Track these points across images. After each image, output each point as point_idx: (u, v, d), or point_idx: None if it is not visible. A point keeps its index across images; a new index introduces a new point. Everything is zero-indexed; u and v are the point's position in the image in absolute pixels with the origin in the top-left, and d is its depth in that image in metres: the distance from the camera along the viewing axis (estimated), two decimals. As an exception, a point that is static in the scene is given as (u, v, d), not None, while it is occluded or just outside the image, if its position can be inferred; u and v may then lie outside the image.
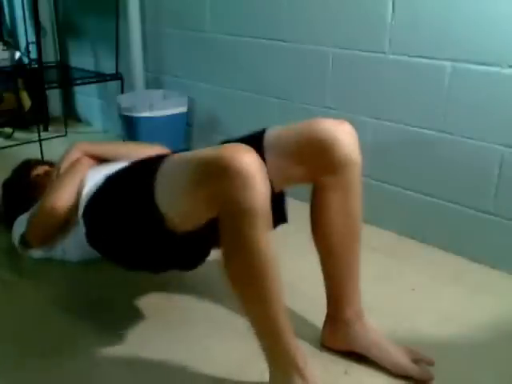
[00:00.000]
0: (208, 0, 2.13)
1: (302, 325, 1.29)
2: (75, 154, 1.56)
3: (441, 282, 1.50)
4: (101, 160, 1.57)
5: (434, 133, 1.60)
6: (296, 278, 1.47)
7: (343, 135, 1.08)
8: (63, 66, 2.98)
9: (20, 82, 2.80)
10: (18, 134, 2.77)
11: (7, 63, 2.73)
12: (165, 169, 1.05)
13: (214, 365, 1.16)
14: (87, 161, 1.53)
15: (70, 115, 3.08)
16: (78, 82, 2.70)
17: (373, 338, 1.15)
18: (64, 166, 1.54)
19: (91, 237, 1.24)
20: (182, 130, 2.36)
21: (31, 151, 2.22)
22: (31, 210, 1.51)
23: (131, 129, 2.24)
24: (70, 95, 3.12)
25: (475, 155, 1.52)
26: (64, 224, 1.43)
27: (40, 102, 2.88)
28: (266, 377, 1.03)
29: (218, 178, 0.90)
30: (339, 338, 1.18)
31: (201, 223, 1.01)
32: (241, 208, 0.89)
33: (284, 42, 1.91)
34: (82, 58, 2.88)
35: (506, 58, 1.40)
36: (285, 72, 1.95)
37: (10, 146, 2.60)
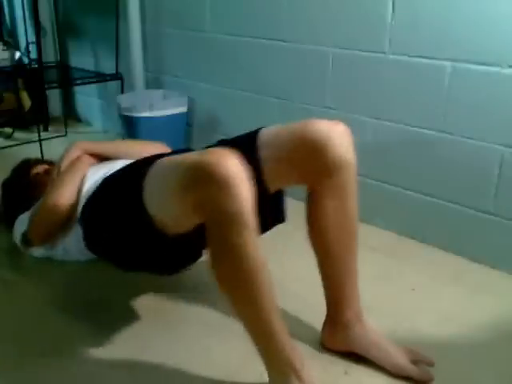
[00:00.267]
0: (208, 0, 2.13)
1: (300, 325, 1.29)
2: (75, 153, 1.56)
3: (441, 282, 1.50)
4: (101, 158, 1.57)
5: (433, 133, 1.60)
6: (295, 277, 1.48)
7: (337, 136, 1.07)
8: (63, 66, 2.98)
9: (20, 82, 2.80)
10: (18, 134, 2.77)
11: (7, 63, 2.73)
12: (153, 173, 1.06)
13: (213, 365, 1.16)
14: (87, 159, 1.54)
15: (70, 115, 3.08)
16: (78, 81, 2.70)
17: (372, 338, 1.15)
18: (64, 164, 1.54)
19: (87, 239, 1.25)
20: (182, 130, 2.36)
21: (31, 151, 2.22)
22: (32, 209, 1.51)
23: (131, 129, 2.24)
24: (69, 95, 3.12)
25: (475, 155, 1.52)
26: (65, 222, 1.44)
27: (40, 102, 2.88)
28: (266, 377, 1.03)
29: (201, 184, 0.90)
30: (339, 339, 1.18)
31: (190, 227, 1.01)
32: (225, 214, 0.89)
33: (284, 42, 1.91)
34: (82, 58, 2.88)
35: (506, 58, 1.40)
36: (285, 72, 1.95)
37: (10, 146, 2.60)
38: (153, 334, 1.27)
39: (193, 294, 1.42)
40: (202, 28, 2.19)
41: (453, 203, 1.61)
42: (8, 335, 1.28)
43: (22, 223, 1.53)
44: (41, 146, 2.35)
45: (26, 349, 1.23)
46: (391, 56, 1.63)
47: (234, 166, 0.90)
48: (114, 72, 2.61)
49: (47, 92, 2.91)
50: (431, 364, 1.12)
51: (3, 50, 2.73)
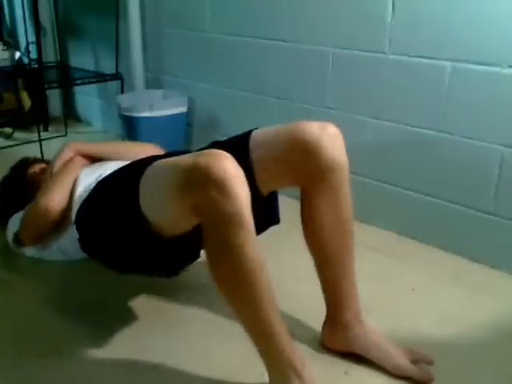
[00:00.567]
0: (208, 0, 2.13)
1: (300, 325, 1.29)
2: (68, 153, 1.57)
3: (441, 282, 1.50)
4: (94, 159, 1.57)
5: (433, 133, 1.59)
6: (293, 277, 1.48)
7: (328, 138, 1.07)
8: (63, 66, 2.99)
9: (20, 82, 2.80)
10: (18, 134, 2.77)
11: (7, 63, 2.73)
12: (149, 175, 1.06)
13: (213, 365, 1.16)
14: (80, 160, 1.55)
15: (70, 115, 3.08)
16: (78, 81, 2.70)
17: (372, 339, 1.15)
18: (57, 165, 1.55)
19: (83, 241, 1.25)
20: (182, 130, 2.36)
21: (31, 151, 2.22)
22: (25, 209, 1.51)
23: (131, 129, 2.24)
24: (70, 95, 3.12)
25: (475, 155, 1.52)
26: (57, 223, 1.44)
27: (40, 102, 2.88)
28: (266, 378, 1.02)
29: (198, 185, 0.90)
30: (339, 339, 1.18)
31: (187, 228, 1.01)
32: (223, 215, 0.89)
33: (284, 41, 1.91)
34: (82, 58, 2.88)
35: (506, 58, 1.40)
36: (285, 72, 1.95)
37: (10, 146, 2.60)
38: (152, 333, 1.27)
39: (192, 295, 1.42)
40: (202, 28, 2.19)
41: (453, 203, 1.61)
42: (6, 335, 1.28)
43: (14, 223, 1.54)
44: (41, 146, 2.35)
45: (25, 349, 1.23)
46: (391, 56, 1.63)
47: (230, 167, 0.90)
48: (114, 72, 2.61)
49: (47, 92, 2.91)
50: (431, 363, 1.12)
51: (3, 49, 2.73)
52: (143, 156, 1.27)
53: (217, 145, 1.13)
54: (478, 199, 1.55)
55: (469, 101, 1.50)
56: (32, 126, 2.73)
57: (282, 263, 1.53)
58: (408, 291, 1.45)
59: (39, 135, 2.41)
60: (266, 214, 1.20)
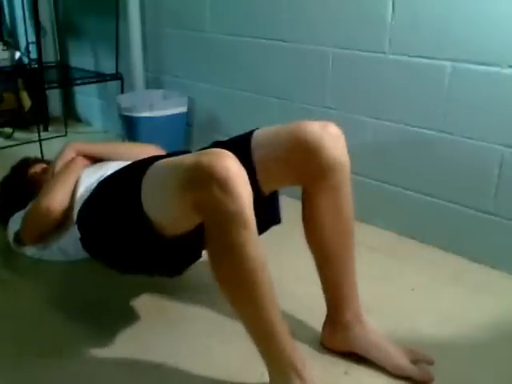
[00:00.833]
0: (208, 0, 2.13)
1: (301, 325, 1.29)
2: (69, 154, 1.57)
3: (441, 282, 1.50)
4: (95, 159, 1.58)
5: (434, 133, 1.59)
6: (293, 277, 1.48)
7: (329, 138, 1.07)
8: (63, 66, 2.98)
9: (20, 82, 2.80)
10: (18, 134, 2.77)
11: (7, 63, 2.73)
12: (151, 174, 1.06)
13: (214, 365, 1.16)
14: (81, 161, 1.55)
15: (70, 115, 3.08)
16: (78, 81, 2.70)
17: (372, 339, 1.15)
18: (59, 165, 1.55)
19: (85, 241, 1.25)
20: (182, 130, 2.36)
21: (31, 151, 2.22)
22: (27, 208, 1.51)
23: (131, 129, 2.24)
24: (70, 95, 3.12)
25: (475, 155, 1.52)
26: (58, 224, 1.45)
27: (40, 102, 2.88)
28: (267, 377, 1.02)
29: (201, 184, 0.90)
30: (339, 339, 1.18)
31: (189, 228, 1.02)
32: (225, 214, 0.89)
33: (284, 41, 1.91)
34: (82, 58, 2.88)
35: (506, 58, 1.40)
36: (285, 72, 1.95)
37: (10, 146, 2.60)
38: (153, 333, 1.27)
39: (194, 294, 1.42)
40: (202, 28, 2.19)
41: (453, 203, 1.61)
42: (7, 335, 1.28)
43: (15, 222, 1.54)
44: (41, 145, 2.36)
45: (25, 349, 1.23)
46: (391, 56, 1.63)
47: (233, 166, 0.90)
48: (114, 72, 2.61)
49: (47, 92, 2.92)
50: (431, 362, 1.12)
51: (3, 49, 2.73)
52: (144, 156, 1.27)
53: (218, 145, 1.13)
54: (478, 199, 1.55)
55: (469, 101, 1.50)
56: (32, 126, 2.73)
57: (283, 263, 1.54)
58: (408, 291, 1.45)
59: (39, 135, 2.41)
60: (267, 213, 1.20)
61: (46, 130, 2.89)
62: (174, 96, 2.34)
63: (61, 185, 1.45)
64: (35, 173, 1.67)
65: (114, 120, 2.63)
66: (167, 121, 2.24)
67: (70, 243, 1.47)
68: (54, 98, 3.08)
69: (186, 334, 1.27)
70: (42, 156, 2.23)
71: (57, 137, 2.78)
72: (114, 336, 1.26)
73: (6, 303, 1.40)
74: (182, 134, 2.35)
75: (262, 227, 1.15)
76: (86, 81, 2.66)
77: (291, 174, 1.12)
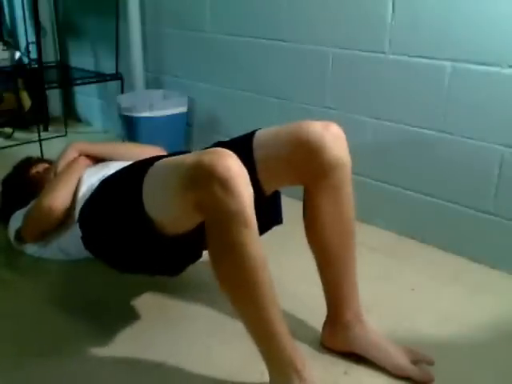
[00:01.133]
0: (208, 0, 2.14)
1: (300, 325, 1.29)
2: (72, 154, 1.58)
3: (440, 282, 1.50)
4: (97, 160, 1.58)
5: (434, 133, 1.60)
6: (294, 277, 1.48)
7: (331, 138, 1.07)
8: (63, 66, 2.99)
9: (20, 82, 2.80)
10: (18, 134, 2.77)
11: (7, 63, 2.73)
12: (152, 173, 1.06)
13: (214, 365, 1.16)
14: (84, 160, 1.55)
15: (70, 115, 3.08)
16: (78, 81, 2.70)
17: (372, 339, 1.15)
18: (61, 165, 1.56)
19: (86, 240, 1.25)
20: (182, 130, 2.36)
21: (31, 151, 2.22)
22: (28, 206, 1.52)
23: (131, 129, 2.24)
24: (70, 95, 3.12)
25: (475, 155, 1.52)
26: (59, 223, 1.45)
27: (40, 102, 2.88)
28: (267, 377, 1.02)
29: (202, 183, 0.90)
30: (339, 339, 1.18)
31: (190, 227, 1.02)
32: (226, 213, 0.89)
33: (284, 41, 1.91)
34: (82, 58, 2.88)
35: (506, 58, 1.40)
36: (285, 72, 1.95)
37: (10, 146, 2.60)
38: (153, 332, 1.27)
39: (194, 293, 1.42)
40: (202, 28, 2.19)
41: (452, 203, 1.61)
42: (7, 335, 1.28)
43: (16, 220, 1.54)
44: (41, 145, 2.36)
45: (25, 348, 1.23)
46: (391, 56, 1.63)
47: (234, 166, 0.90)
48: (114, 72, 2.61)
49: (47, 92, 2.91)
50: (431, 363, 1.12)
51: (3, 49, 2.73)
52: (146, 157, 1.27)
53: (220, 145, 1.13)
54: (478, 199, 1.55)
55: (469, 101, 1.50)
56: (32, 126, 2.73)
57: (284, 263, 1.54)
58: (408, 291, 1.45)
59: (39, 135, 2.41)
60: (269, 214, 1.21)
61: (46, 130, 2.89)
62: (174, 96, 2.34)
63: (63, 184, 1.46)
64: (37, 172, 1.67)
65: (114, 120, 2.63)
66: (167, 121, 2.24)
67: (70, 242, 1.47)
68: (54, 98, 3.08)
69: (187, 333, 1.27)
70: (42, 156, 2.23)
71: (57, 137, 2.78)
72: (115, 335, 1.26)
73: (6, 302, 1.40)
74: (182, 134, 2.36)
75: (264, 227, 1.15)
76: (86, 81, 2.67)
77: (293, 174, 1.12)
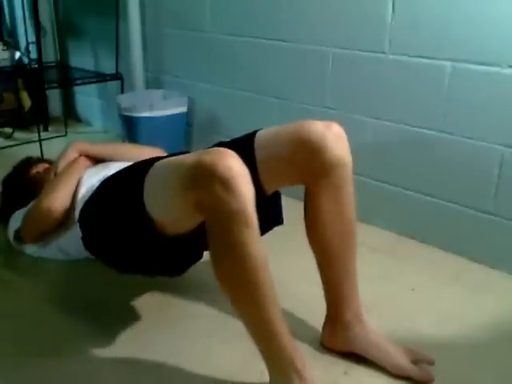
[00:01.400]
0: (208, 0, 2.14)
1: (301, 325, 1.29)
2: (72, 154, 1.57)
3: (441, 282, 1.50)
4: (97, 160, 1.58)
5: (434, 133, 1.59)
6: (294, 277, 1.48)
7: (332, 137, 1.08)
8: (63, 66, 2.98)
9: (20, 82, 2.80)
10: (18, 134, 2.77)
11: (7, 63, 2.73)
12: (153, 173, 1.06)
13: (214, 364, 1.16)
14: (84, 161, 1.55)
15: (70, 115, 3.08)
16: (78, 81, 2.70)
17: (372, 339, 1.15)
18: (61, 165, 1.56)
19: (86, 241, 1.25)
20: (182, 130, 2.36)
21: (31, 151, 2.21)
22: (28, 207, 1.51)
23: (131, 129, 2.24)
24: (70, 95, 3.12)
25: (475, 155, 1.52)
26: (58, 224, 1.45)
27: (40, 102, 2.88)
28: (267, 376, 1.02)
29: (203, 182, 0.90)
30: (339, 339, 1.18)
31: (191, 227, 1.02)
32: (227, 212, 0.89)
33: (284, 41, 1.91)
34: (82, 58, 2.88)
35: (506, 58, 1.40)
36: (285, 72, 1.95)
37: (10, 146, 2.60)
38: (153, 332, 1.27)
39: (195, 293, 1.42)
40: (201, 28, 2.19)
41: (452, 203, 1.61)
42: (7, 335, 1.28)
43: (16, 220, 1.54)
44: (41, 145, 2.36)
45: (25, 348, 1.23)
46: (391, 56, 1.63)
47: (235, 165, 0.90)
48: (114, 72, 2.61)
49: (47, 92, 2.91)
50: (431, 363, 1.12)
51: (3, 49, 2.73)
52: (146, 158, 1.27)
53: (221, 145, 1.13)
54: (478, 199, 1.55)
55: (469, 101, 1.50)
56: (32, 126, 2.73)
57: (284, 263, 1.53)
58: (408, 291, 1.45)
59: (39, 135, 2.41)
60: (270, 214, 1.21)
61: (46, 130, 2.89)
62: (174, 96, 2.34)
63: (63, 185, 1.46)
64: (37, 172, 1.67)
65: (114, 120, 2.63)
66: (167, 121, 2.24)
67: (70, 243, 1.47)
68: (54, 98, 3.08)
69: (188, 332, 1.27)
70: (42, 156, 2.22)
71: (57, 137, 2.78)
72: (115, 335, 1.26)
73: (6, 302, 1.40)
74: (182, 134, 2.35)
75: (265, 228, 1.15)
76: (86, 81, 2.67)
77: (294, 174, 1.12)
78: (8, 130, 2.81)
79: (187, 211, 0.97)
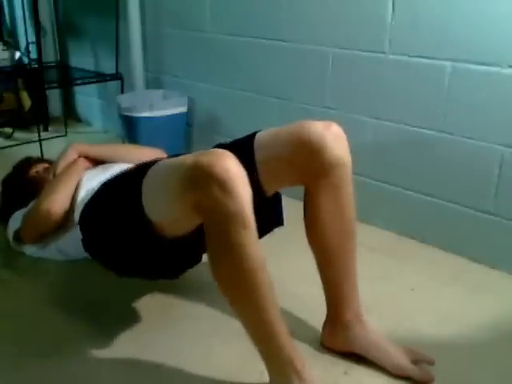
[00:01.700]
0: (208, 0, 2.13)
1: (301, 325, 1.29)
2: (72, 155, 1.57)
3: (440, 282, 1.50)
4: (97, 162, 1.58)
5: (434, 133, 1.59)
6: (294, 277, 1.48)
7: (331, 138, 1.08)
8: (63, 66, 2.99)
9: (20, 82, 2.80)
10: (18, 134, 2.77)
11: (7, 63, 2.73)
12: (151, 175, 1.06)
13: (214, 365, 1.16)
14: (83, 162, 1.55)
15: (70, 115, 3.08)
16: (78, 81, 2.70)
17: (372, 339, 1.14)
18: (61, 165, 1.55)
19: (86, 243, 1.25)
20: (182, 130, 2.36)
21: (31, 151, 2.22)
22: (28, 207, 1.51)
23: (131, 129, 2.24)
24: (70, 95, 3.12)
25: (475, 155, 1.52)
26: (57, 225, 1.45)
27: (40, 102, 2.88)
28: (266, 377, 1.02)
29: (200, 183, 0.90)
30: (339, 339, 1.18)
31: (189, 229, 1.02)
32: (225, 214, 0.89)
33: (284, 41, 1.91)
34: (82, 58, 2.88)
35: (506, 58, 1.40)
36: (285, 72, 1.95)
37: (10, 146, 2.60)
38: (153, 332, 1.27)
39: (195, 294, 1.42)
40: (202, 28, 2.19)
41: (452, 203, 1.61)
42: (6, 335, 1.28)
43: (16, 220, 1.54)
44: (41, 146, 2.36)
45: (25, 348, 1.22)
46: (391, 56, 1.63)
47: (233, 167, 0.90)
48: (114, 72, 2.61)
49: (47, 92, 2.91)
50: (432, 363, 1.12)
51: (3, 49, 2.73)
52: (147, 160, 1.27)
53: (221, 147, 1.13)
54: (478, 199, 1.55)
55: (469, 101, 1.50)
56: (32, 126, 2.73)
57: (284, 263, 1.53)
58: (408, 291, 1.45)
59: (39, 135, 2.41)
60: (270, 215, 1.21)
61: (46, 130, 2.88)
62: (174, 96, 2.34)
63: (62, 186, 1.45)
64: (37, 172, 1.67)
65: (114, 120, 2.63)
66: (167, 121, 2.24)
67: (69, 244, 1.47)
68: (54, 98, 3.08)
69: (187, 333, 1.27)
70: (42, 156, 2.22)
71: (57, 137, 2.78)
72: (114, 335, 1.26)
73: (6, 303, 1.40)
74: (182, 134, 2.35)
75: (265, 229, 1.15)
76: (86, 81, 2.67)
77: (294, 174, 1.12)
78: (8, 129, 2.81)
79: (186, 213, 0.97)
